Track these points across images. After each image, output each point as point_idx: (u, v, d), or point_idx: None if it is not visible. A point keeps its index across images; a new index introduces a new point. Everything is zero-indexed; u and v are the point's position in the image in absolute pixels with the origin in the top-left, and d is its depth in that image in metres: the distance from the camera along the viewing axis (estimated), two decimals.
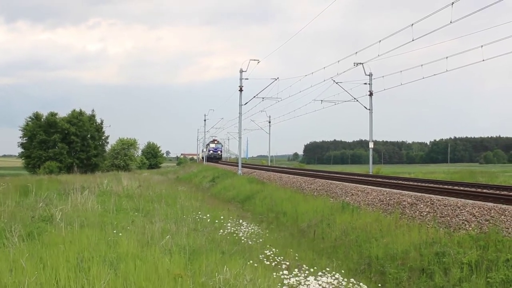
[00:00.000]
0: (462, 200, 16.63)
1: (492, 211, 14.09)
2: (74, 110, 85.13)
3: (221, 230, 14.83)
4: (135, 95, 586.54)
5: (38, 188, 21.70)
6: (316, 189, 27.10)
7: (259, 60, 50.27)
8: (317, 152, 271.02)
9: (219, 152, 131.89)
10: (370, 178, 30.62)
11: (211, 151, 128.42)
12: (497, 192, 19.37)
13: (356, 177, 33.19)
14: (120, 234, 12.32)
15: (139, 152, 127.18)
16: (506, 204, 15.15)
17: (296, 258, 12.05)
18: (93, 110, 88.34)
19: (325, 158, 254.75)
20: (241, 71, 51.02)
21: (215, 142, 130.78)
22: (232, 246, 12.68)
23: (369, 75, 46.51)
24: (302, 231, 19.13)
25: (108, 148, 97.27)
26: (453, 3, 20.90)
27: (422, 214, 16.35)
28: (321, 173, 35.37)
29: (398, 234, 14.77)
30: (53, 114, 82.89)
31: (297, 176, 35.74)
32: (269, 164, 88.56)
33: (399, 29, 28.46)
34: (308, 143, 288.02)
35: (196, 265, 9.38)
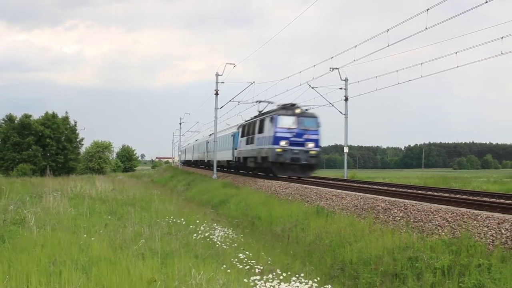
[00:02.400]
0: (436, 205, 16.73)
1: (465, 216, 14.19)
2: (47, 112, 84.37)
3: (195, 234, 14.77)
4: (111, 98, 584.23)
5: (10, 191, 21.48)
6: (291, 193, 27.12)
7: (235, 64, 50.45)
8: None
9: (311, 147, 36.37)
10: (344, 183, 30.74)
11: (286, 142, 35.81)
12: (470, 197, 19.54)
13: (331, 181, 33.31)
14: (93, 238, 12.23)
15: (114, 155, 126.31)
16: (479, 210, 15.29)
17: (270, 262, 12.04)
18: (66, 112, 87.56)
19: None
20: (217, 75, 51.24)
21: (301, 113, 36.80)
22: (206, 250, 12.64)
23: (344, 80, 46.71)
24: (276, 235, 19.13)
25: (82, 151, 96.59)
26: (428, 9, 21.06)
27: (395, 219, 16.43)
28: (296, 178, 35.35)
29: (372, 238, 14.81)
30: (27, 116, 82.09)
31: (272, 181, 35.75)
32: None
33: (375, 34, 28.55)
34: None
35: (169, 269, 9.33)
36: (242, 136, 46.40)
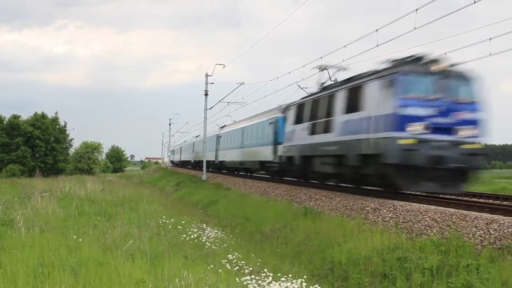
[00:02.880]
0: (425, 205, 16.79)
1: (454, 216, 14.25)
2: (36, 112, 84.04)
3: (185, 235, 14.76)
4: (101, 98, 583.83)
5: None
6: (281, 194, 27.13)
7: (224, 64, 50.56)
8: None
9: (469, 135, 18.51)
10: (334, 184, 30.72)
11: (424, 126, 18.09)
12: (459, 198, 19.60)
13: (320, 182, 33.26)
14: (81, 239, 12.20)
15: (103, 156, 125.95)
16: (467, 210, 15.35)
17: (259, 263, 12.04)
18: (56, 113, 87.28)
19: None
20: (207, 75, 51.31)
21: (445, 71, 18.88)
22: (195, 250, 12.64)
23: (334, 81, 46.67)
24: (265, 236, 19.11)
25: (71, 151, 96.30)
26: (417, 9, 21.09)
27: (385, 219, 16.47)
28: (286, 178, 35.29)
29: (361, 239, 14.83)
30: (16, 117, 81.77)
31: (262, 181, 35.75)
32: None
33: (364, 34, 28.58)
34: None
35: (159, 270, 9.31)
36: (296, 123, 29.20)
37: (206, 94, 52.05)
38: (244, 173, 47.18)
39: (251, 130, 43.15)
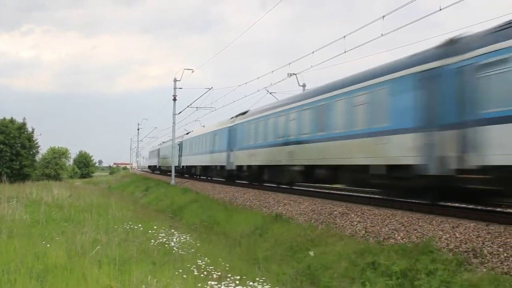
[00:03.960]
0: (392, 210, 16.93)
1: (420, 220, 14.39)
2: (4, 118, 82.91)
3: (153, 240, 14.70)
4: (69, 103, 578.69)
5: None
6: (249, 198, 27.14)
7: (193, 69, 50.65)
8: None
9: None
10: (302, 188, 30.83)
11: None
12: (426, 202, 19.76)
13: (288, 187, 33.31)
14: (49, 245, 12.09)
15: (71, 161, 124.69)
16: (434, 214, 15.50)
17: (227, 268, 12.04)
18: (24, 119, 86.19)
19: None
20: (175, 80, 51.28)
21: None
22: (164, 256, 12.59)
23: (302, 86, 46.92)
24: (235, 241, 19.11)
25: (39, 157, 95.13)
26: (384, 16, 21.26)
27: (353, 223, 16.57)
28: (254, 183, 35.35)
29: (330, 243, 14.91)
30: None
31: (230, 186, 35.74)
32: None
33: (332, 41, 28.61)
34: None
35: (126, 276, 9.26)
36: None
37: (174, 99, 51.98)
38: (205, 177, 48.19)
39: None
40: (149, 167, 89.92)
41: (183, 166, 60.33)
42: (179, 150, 58.53)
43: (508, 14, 14.61)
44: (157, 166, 68.74)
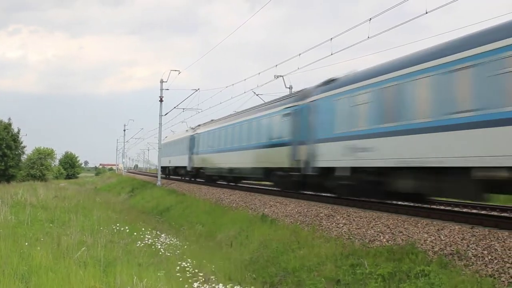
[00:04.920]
0: (378, 212, 16.99)
1: (406, 223, 14.45)
2: None
3: (139, 242, 14.67)
4: (55, 104, 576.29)
5: None
6: (235, 200, 27.12)
7: (180, 70, 50.70)
8: None
9: None
10: (288, 190, 30.83)
11: None
12: (411, 204, 19.87)
13: (275, 189, 33.31)
14: (34, 246, 12.03)
15: (57, 162, 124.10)
16: (419, 216, 15.55)
17: (213, 269, 12.04)
18: (9, 119, 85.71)
19: None
20: (162, 82, 51.30)
21: None
22: (149, 258, 12.56)
23: (289, 88, 46.95)
24: (220, 242, 19.11)
25: (24, 157, 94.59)
26: (370, 19, 21.29)
27: (338, 225, 16.60)
28: (241, 185, 35.37)
29: (315, 245, 14.93)
30: None
31: (217, 188, 35.72)
32: None
33: (319, 43, 28.60)
34: None
35: (111, 278, 9.24)
36: None
37: (161, 101, 51.93)
38: (200, 180, 46.85)
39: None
40: (167, 170, 61.91)
41: (195, 168, 46.86)
42: (190, 147, 48.49)
43: (497, 17, 14.76)
44: (189, 168, 47.77)
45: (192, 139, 47.68)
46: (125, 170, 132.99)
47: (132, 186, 56.92)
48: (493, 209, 19.07)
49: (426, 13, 18.46)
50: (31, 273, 9.10)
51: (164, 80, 51.35)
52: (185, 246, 16.14)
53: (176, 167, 56.27)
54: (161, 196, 38.71)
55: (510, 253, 10.71)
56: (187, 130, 54.25)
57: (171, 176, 59.87)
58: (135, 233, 16.19)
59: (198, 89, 50.93)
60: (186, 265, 11.64)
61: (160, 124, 53.81)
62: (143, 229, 17.23)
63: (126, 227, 16.76)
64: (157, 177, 53.72)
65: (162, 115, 53.21)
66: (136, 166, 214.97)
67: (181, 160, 52.24)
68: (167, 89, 51.88)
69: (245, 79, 38.43)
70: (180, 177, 55.38)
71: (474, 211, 17.98)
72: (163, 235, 16.86)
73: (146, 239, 15.36)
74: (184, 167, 50.41)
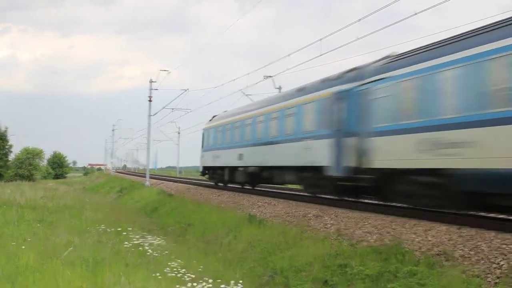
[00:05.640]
0: (366, 212, 17.02)
1: (393, 223, 14.49)
2: None
3: (127, 242, 14.62)
4: (44, 104, 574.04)
5: None
6: (224, 201, 27.14)
7: (169, 70, 50.70)
8: None
9: None
10: (277, 190, 30.87)
11: None
12: (398, 205, 19.92)
13: (263, 189, 33.28)
14: (22, 246, 11.99)
15: (45, 162, 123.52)
16: (407, 217, 15.59)
17: (201, 270, 12.02)
18: None
19: None
20: (151, 81, 51.41)
21: None
22: (137, 258, 12.53)
23: (278, 88, 46.97)
24: (208, 243, 19.10)
25: (12, 157, 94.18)
26: (360, 19, 21.30)
27: (326, 226, 16.63)
28: (229, 185, 35.28)
29: (303, 246, 14.94)
30: None
31: (205, 188, 35.69)
32: (177, 175, 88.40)
33: (309, 43, 28.70)
34: None
35: (99, 278, 9.22)
36: None
37: (150, 100, 51.93)
38: (189, 180, 46.55)
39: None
40: (209, 171, 38.56)
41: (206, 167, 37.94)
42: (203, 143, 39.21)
43: (485, 18, 14.80)
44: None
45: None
46: (114, 170, 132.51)
47: (120, 186, 56.78)
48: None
49: (416, 14, 18.50)
50: (17, 274, 9.06)
51: (153, 80, 51.45)
52: (174, 246, 16.11)
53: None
54: (149, 196, 38.65)
55: (496, 253, 10.77)
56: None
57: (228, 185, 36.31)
58: (124, 233, 16.14)
59: (187, 89, 51.11)
60: (174, 265, 11.62)
61: (149, 124, 53.80)
62: (130, 229, 17.16)
63: (114, 228, 16.71)
64: (145, 177, 53.61)
65: (151, 115, 53.18)
66: (125, 166, 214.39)
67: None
68: (156, 89, 51.99)
69: (234, 80, 38.51)
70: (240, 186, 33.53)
71: (462, 212, 18.02)
72: (150, 236, 16.81)
73: (135, 239, 15.32)
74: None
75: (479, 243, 11.51)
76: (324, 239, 15.17)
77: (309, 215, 18.26)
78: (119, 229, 16.87)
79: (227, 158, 32.44)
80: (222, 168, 34.10)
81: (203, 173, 39.25)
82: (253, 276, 13.64)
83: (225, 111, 38.00)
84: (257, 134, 27.78)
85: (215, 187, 35.49)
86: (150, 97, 51.66)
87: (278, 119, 24.95)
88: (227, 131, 33.68)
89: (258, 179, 29.14)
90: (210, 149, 36.70)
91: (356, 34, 22.04)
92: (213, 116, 39.51)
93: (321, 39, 24.99)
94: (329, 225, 16.57)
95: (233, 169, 31.49)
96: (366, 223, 15.32)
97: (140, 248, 14.26)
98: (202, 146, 38.89)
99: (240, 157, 29.80)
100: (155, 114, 55.21)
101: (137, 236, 15.96)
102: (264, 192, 27.71)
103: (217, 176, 35.95)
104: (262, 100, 31.41)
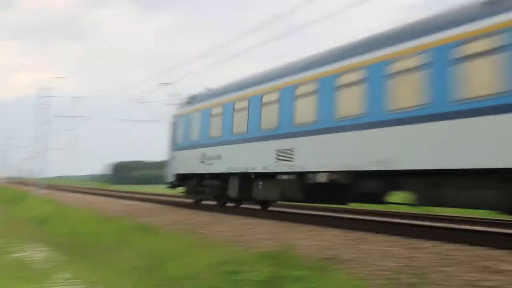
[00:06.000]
0: (260, 219, 17.17)
1: (287, 229, 14.68)
2: None
3: (11, 254, 14.10)
4: None
5: None
6: (118, 210, 26.75)
7: (64, 77, 49.97)
8: (126, 172, 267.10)
9: None
10: (172, 198, 30.72)
11: None
12: (292, 211, 20.25)
13: (156, 197, 33.04)
14: None
15: None
16: (299, 223, 15.84)
17: (91, 281, 11.73)
18: None
19: (132, 178, 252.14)
20: (44, 89, 50.21)
21: None
22: (22, 271, 12.08)
23: (175, 96, 46.71)
24: (101, 252, 18.69)
25: None
26: (258, 27, 21.49)
27: (221, 233, 16.64)
28: (123, 193, 34.92)
29: (198, 253, 14.86)
30: None
31: (100, 197, 35.13)
32: (71, 185, 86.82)
33: (206, 50, 28.73)
34: (117, 162, 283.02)
35: None
36: None
37: (43, 108, 50.78)
38: (83, 190, 45.77)
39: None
40: (188, 182, 27.26)
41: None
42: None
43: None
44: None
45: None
46: (6, 180, 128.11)
47: (10, 196, 54.92)
48: (367, 213, 19.70)
49: (311, 23, 18.80)
50: None
51: (46, 87, 50.40)
52: (65, 257, 15.68)
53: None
54: (41, 206, 37.51)
55: (384, 256, 11.07)
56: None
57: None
58: (10, 245, 15.56)
59: (82, 96, 50.90)
60: (64, 277, 11.30)
61: (42, 132, 52.54)
62: (15, 240, 16.56)
63: None
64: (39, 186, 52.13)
65: (43, 123, 51.99)
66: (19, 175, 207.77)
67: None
68: (51, 96, 51.05)
69: (131, 87, 38.28)
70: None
71: (350, 216, 18.50)
72: (40, 246, 16.30)
73: (20, 250, 14.79)
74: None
75: (368, 246, 11.80)
76: (219, 245, 15.14)
77: (203, 223, 18.24)
78: (5, 240, 16.28)
79: (250, 159, 20.17)
80: (223, 176, 22.66)
81: (172, 185, 28.49)
82: (145, 285, 13.44)
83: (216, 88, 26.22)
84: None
85: (110, 195, 34.93)
86: (43, 104, 50.58)
87: None
88: (243, 111, 21.53)
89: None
90: (192, 147, 25.58)
91: (255, 41, 22.36)
92: (190, 97, 28.30)
93: (219, 47, 25.19)
94: (223, 232, 16.59)
95: (261, 177, 19.95)
96: (260, 230, 15.43)
97: (23, 260, 13.80)
98: (173, 144, 28.42)
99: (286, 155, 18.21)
100: (46, 122, 53.83)
101: (24, 247, 15.43)
102: (158, 200, 27.46)
103: (208, 190, 24.51)
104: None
